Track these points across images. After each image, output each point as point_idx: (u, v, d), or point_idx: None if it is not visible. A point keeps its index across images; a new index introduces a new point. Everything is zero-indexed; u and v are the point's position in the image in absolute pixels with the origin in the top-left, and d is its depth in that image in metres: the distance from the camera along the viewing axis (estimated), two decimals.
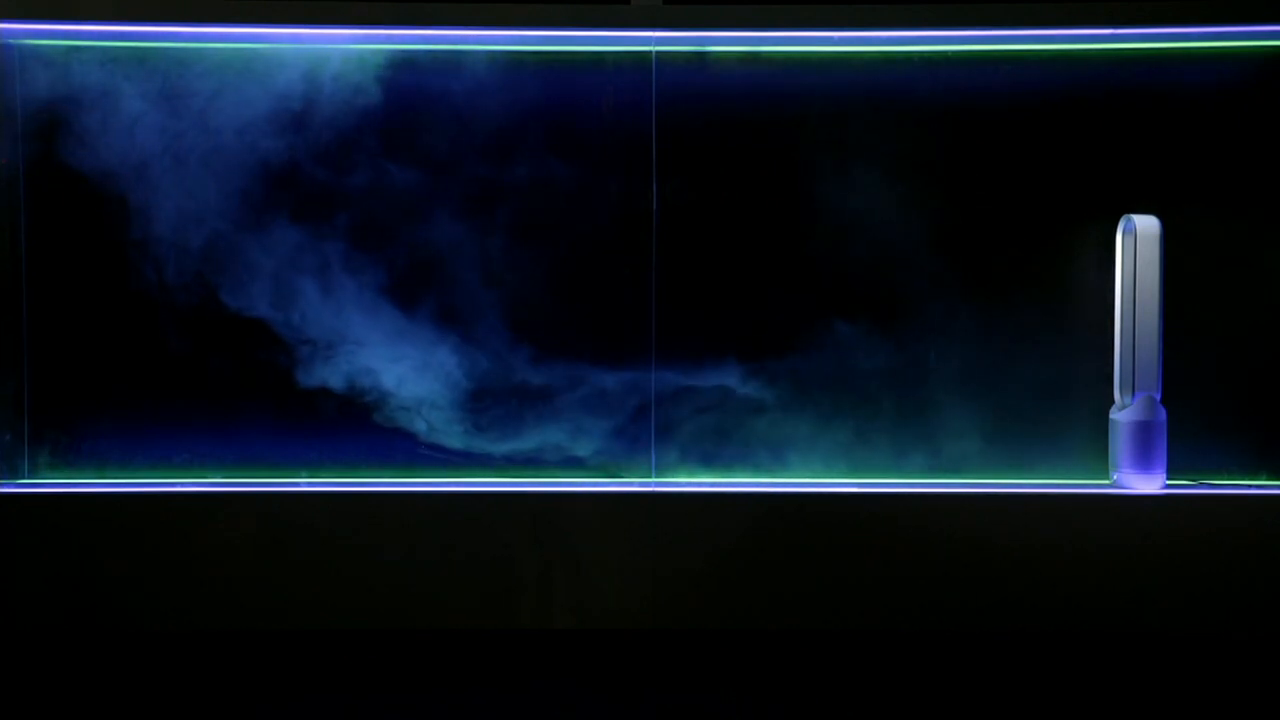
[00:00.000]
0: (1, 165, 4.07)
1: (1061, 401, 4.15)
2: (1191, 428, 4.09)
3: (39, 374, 4.12)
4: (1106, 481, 4.09)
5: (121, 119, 4.07)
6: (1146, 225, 3.98)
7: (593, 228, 4.16)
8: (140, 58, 4.07)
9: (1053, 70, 4.12)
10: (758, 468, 4.15)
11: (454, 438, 4.15)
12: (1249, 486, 4.09)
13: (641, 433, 4.16)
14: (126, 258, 4.09)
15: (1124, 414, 3.99)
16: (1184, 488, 4.04)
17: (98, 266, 4.10)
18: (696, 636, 3.88)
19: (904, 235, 4.16)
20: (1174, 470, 4.03)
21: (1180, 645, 3.80)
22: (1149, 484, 3.98)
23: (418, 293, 4.14)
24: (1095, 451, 4.12)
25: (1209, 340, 4.13)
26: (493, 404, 4.15)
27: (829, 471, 4.16)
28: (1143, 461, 3.97)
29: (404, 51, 4.10)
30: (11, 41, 4.05)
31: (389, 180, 4.13)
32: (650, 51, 4.12)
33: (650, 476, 4.16)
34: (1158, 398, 3.98)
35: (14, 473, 4.10)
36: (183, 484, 4.07)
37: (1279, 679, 3.54)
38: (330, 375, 4.13)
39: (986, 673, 3.57)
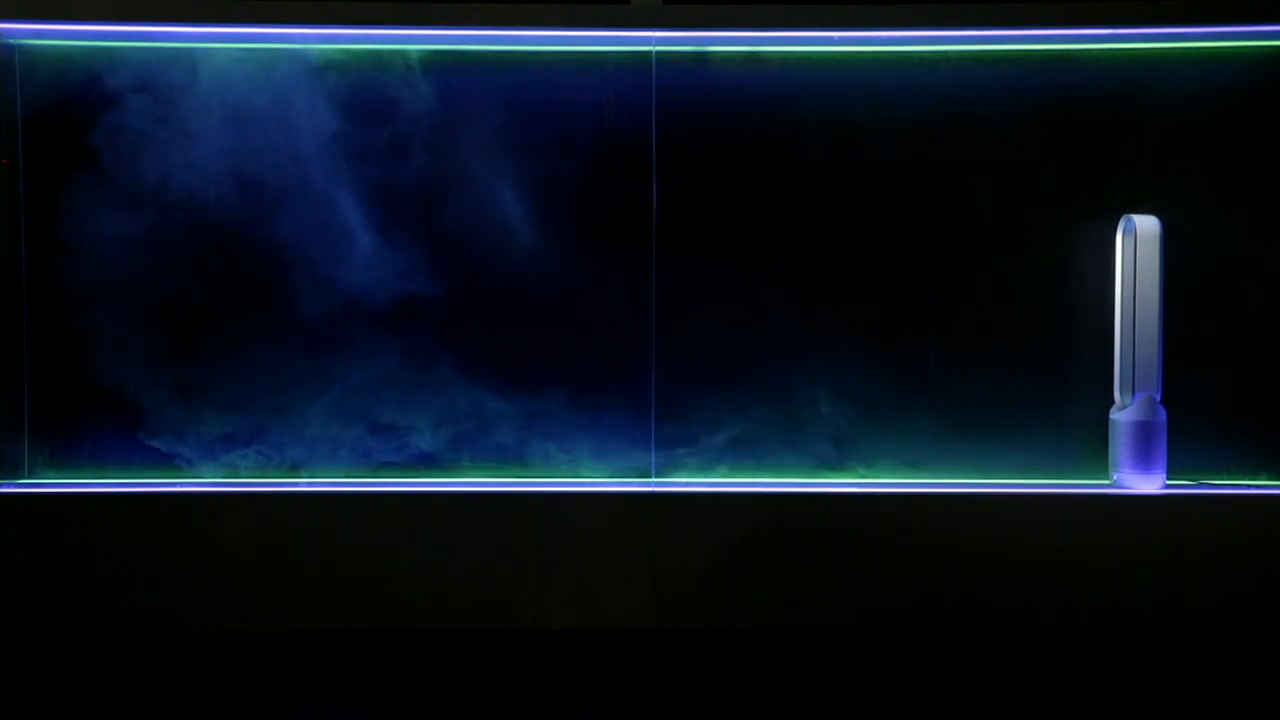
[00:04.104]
0: (1, 165, 4.08)
1: (1061, 401, 4.15)
2: (1191, 428, 4.09)
3: (39, 374, 4.12)
4: (1106, 481, 4.09)
5: (121, 119, 4.07)
6: (1146, 225, 3.98)
7: (593, 228, 4.16)
8: (139, 57, 4.07)
9: (1053, 70, 4.12)
10: (757, 466, 4.16)
11: (451, 437, 4.15)
12: (1249, 486, 4.09)
13: (642, 432, 4.16)
14: (126, 257, 4.10)
15: (1124, 414, 4.00)
16: (1184, 488, 4.04)
17: (98, 266, 4.10)
18: (696, 636, 3.88)
19: (903, 235, 4.16)
20: (1174, 470, 4.03)
21: (1180, 645, 3.80)
22: (1149, 484, 3.98)
23: (416, 293, 4.14)
24: (1095, 451, 4.12)
25: (1209, 340, 4.13)
26: (491, 402, 4.15)
27: (830, 472, 4.16)
28: (1143, 461, 3.97)
29: (403, 52, 4.10)
30: (11, 41, 4.05)
31: (389, 180, 4.13)
32: (650, 51, 4.13)
33: (650, 476, 4.16)
34: (1158, 398, 3.98)
35: (14, 473, 4.11)
36: (183, 484, 4.08)
37: (1279, 679, 3.54)
38: (328, 374, 4.13)
39: (986, 673, 3.57)
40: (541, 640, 3.86)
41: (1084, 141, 4.14)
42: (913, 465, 4.15)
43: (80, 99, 4.07)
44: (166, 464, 4.13)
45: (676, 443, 4.16)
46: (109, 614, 3.93)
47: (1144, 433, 3.97)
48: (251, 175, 4.11)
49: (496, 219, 4.15)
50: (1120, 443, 4.00)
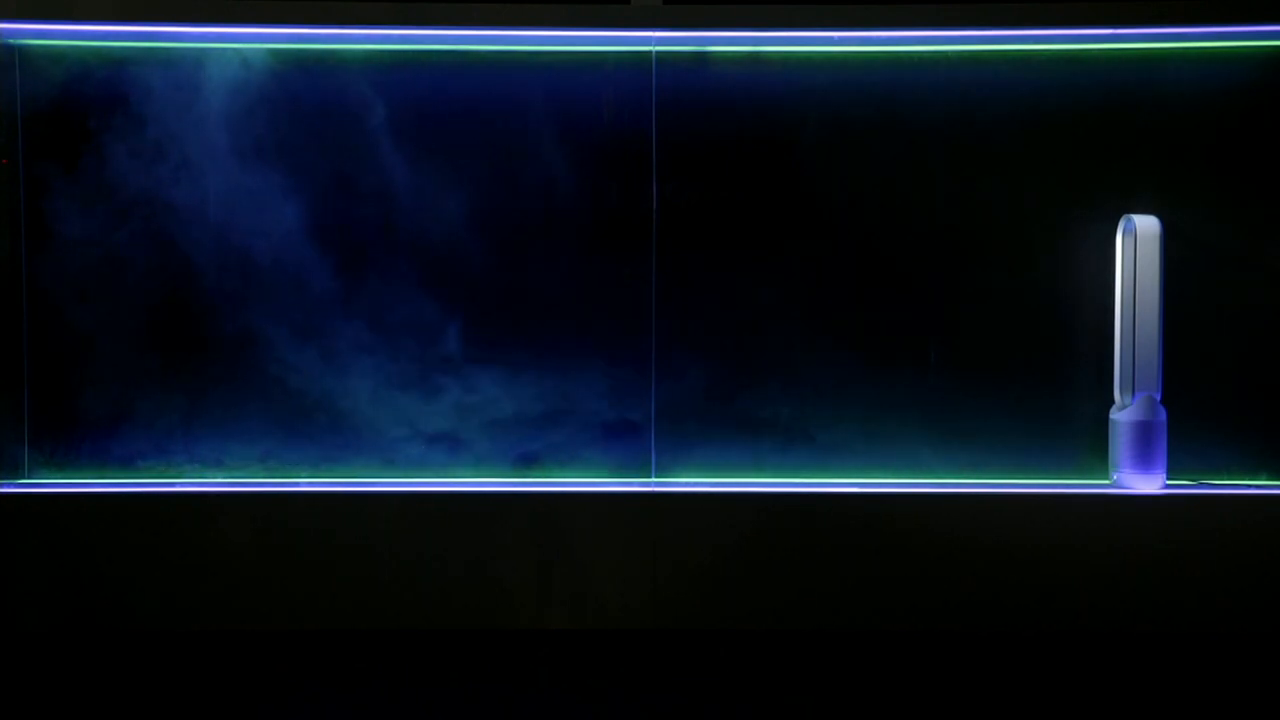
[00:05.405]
0: (1, 165, 4.08)
1: (1062, 401, 4.15)
2: (1191, 428, 4.09)
3: (39, 374, 4.12)
4: (1106, 481, 4.09)
5: (121, 118, 4.07)
6: (1146, 225, 3.98)
7: (593, 227, 4.16)
8: (138, 57, 4.08)
9: (1053, 70, 4.12)
10: (756, 466, 4.16)
11: (450, 436, 4.15)
12: (1249, 486, 4.09)
13: (641, 432, 4.16)
14: (126, 256, 4.10)
15: (1124, 414, 3.99)
16: (1184, 488, 4.04)
17: (98, 266, 4.10)
18: (696, 636, 3.88)
19: (903, 235, 4.16)
20: (1174, 470, 4.03)
21: (1181, 645, 3.80)
22: (1149, 484, 3.98)
23: (417, 293, 4.14)
24: (1095, 451, 4.12)
25: (1209, 340, 4.13)
26: (493, 403, 4.15)
27: (830, 472, 4.16)
28: (1143, 461, 3.97)
29: (404, 52, 4.10)
30: (11, 41, 4.05)
31: (389, 181, 4.13)
32: (650, 51, 4.13)
33: (650, 476, 4.16)
34: (1158, 398, 3.98)
35: (14, 473, 4.11)
36: (183, 484, 4.08)
37: (1279, 679, 3.54)
38: (329, 374, 4.13)
39: (986, 673, 3.57)
40: (541, 640, 3.86)
41: (1084, 141, 4.14)
42: (912, 465, 4.15)
43: (80, 99, 4.08)
44: (166, 464, 4.13)
45: (676, 441, 4.16)
46: (109, 614, 3.93)
47: (1144, 433, 3.97)
48: (251, 173, 4.10)
49: (496, 219, 4.15)
50: (1120, 443, 4.00)
